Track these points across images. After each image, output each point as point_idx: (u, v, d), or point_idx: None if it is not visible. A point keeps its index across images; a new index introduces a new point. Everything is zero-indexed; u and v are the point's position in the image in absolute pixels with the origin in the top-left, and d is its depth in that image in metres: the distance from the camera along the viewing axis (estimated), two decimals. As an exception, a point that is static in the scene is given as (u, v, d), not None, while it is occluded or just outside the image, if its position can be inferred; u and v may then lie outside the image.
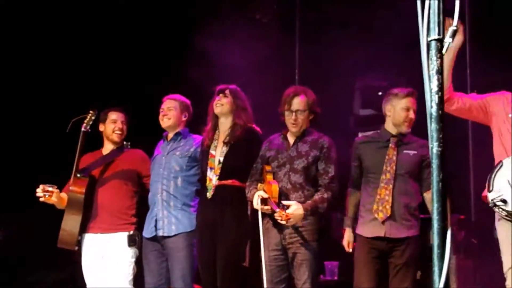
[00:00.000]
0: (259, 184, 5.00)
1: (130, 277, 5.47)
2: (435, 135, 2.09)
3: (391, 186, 4.94)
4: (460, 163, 6.79)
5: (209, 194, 5.29)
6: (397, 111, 5.03)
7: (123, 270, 5.46)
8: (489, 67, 6.47)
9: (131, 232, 5.50)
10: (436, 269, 2.02)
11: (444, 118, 2.10)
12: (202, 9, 7.64)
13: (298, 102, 5.02)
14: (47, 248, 6.01)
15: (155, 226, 5.47)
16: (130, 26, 7.97)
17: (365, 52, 6.92)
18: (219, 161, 5.36)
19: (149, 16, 7.98)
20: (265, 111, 5.74)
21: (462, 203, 6.73)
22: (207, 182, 5.35)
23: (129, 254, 5.50)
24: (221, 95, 5.41)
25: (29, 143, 7.70)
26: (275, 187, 4.84)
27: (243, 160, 5.27)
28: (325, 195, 4.90)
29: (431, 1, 2.09)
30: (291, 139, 5.10)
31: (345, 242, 5.16)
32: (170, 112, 5.68)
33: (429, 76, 2.11)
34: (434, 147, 2.09)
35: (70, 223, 5.50)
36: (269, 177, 4.95)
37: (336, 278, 7.36)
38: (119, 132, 5.75)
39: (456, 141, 6.74)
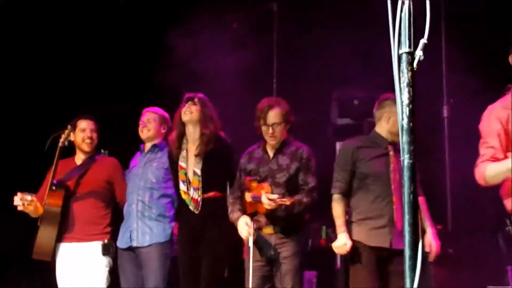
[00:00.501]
0: (247, 194, 4.99)
1: (104, 286, 5.46)
2: (406, 147, 2.11)
3: (398, 195, 4.90)
4: (437, 173, 6.83)
5: (192, 208, 5.34)
6: (397, 119, 4.95)
7: (97, 278, 5.47)
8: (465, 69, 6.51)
9: (106, 241, 5.51)
10: (408, 280, 2.04)
11: (415, 130, 2.12)
12: (178, 15, 7.64)
13: (273, 115, 5.02)
14: (22, 257, 5.99)
15: (130, 236, 5.51)
16: (106, 32, 7.99)
17: (342, 62, 6.95)
18: (195, 172, 5.38)
19: (124, 23, 7.98)
20: (243, 119, 5.78)
21: (438, 213, 6.76)
22: (183, 195, 5.39)
23: (103, 263, 5.50)
24: (190, 102, 5.42)
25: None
26: (267, 186, 4.87)
27: (220, 171, 5.33)
28: (305, 199, 4.92)
29: (402, 14, 2.12)
30: (270, 152, 5.13)
31: (341, 244, 4.90)
32: (150, 124, 5.76)
33: (400, 89, 2.13)
34: (405, 159, 2.11)
35: (47, 234, 5.50)
36: (254, 184, 4.96)
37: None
38: (88, 141, 5.75)
39: (433, 151, 6.79)
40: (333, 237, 7.00)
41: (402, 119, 2.14)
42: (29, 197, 5.35)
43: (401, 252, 4.86)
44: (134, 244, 5.49)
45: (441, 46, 6.91)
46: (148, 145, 5.78)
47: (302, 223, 5.06)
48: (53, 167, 5.57)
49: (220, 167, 5.35)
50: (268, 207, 4.73)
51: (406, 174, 2.10)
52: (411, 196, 2.09)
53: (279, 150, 5.10)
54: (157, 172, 5.63)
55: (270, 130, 5.01)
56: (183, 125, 5.46)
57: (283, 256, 4.92)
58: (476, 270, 6.01)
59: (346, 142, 5.25)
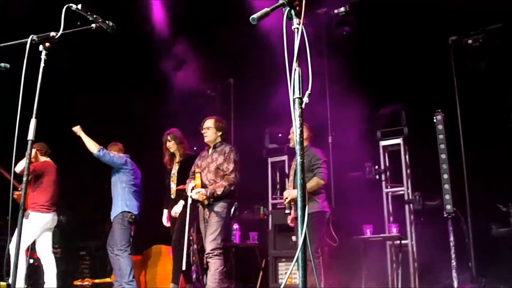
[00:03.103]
0: (192, 180, 4.81)
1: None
2: (298, 152, 2.11)
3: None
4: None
5: (173, 196, 5.39)
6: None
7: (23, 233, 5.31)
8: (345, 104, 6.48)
9: (27, 211, 5.38)
10: (299, 229, 2.04)
11: (303, 142, 2.13)
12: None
13: (206, 123, 4.85)
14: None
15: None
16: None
17: (272, 112, 6.93)
18: (174, 174, 5.44)
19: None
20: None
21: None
22: (171, 190, 5.46)
23: (25, 223, 5.29)
24: (167, 139, 5.50)
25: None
26: (198, 176, 4.73)
27: (186, 174, 5.22)
28: (223, 183, 4.61)
29: (295, 76, 2.13)
30: (209, 151, 4.89)
31: None
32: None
33: (295, 119, 2.14)
34: (298, 159, 2.11)
35: None
36: (198, 175, 4.78)
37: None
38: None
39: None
40: (266, 213, 7.02)
41: (296, 136, 2.12)
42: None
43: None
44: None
45: (326, 96, 6.96)
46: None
47: (223, 198, 4.63)
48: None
49: (186, 171, 5.22)
50: (195, 198, 4.62)
51: (298, 168, 2.10)
52: (302, 180, 2.08)
53: (213, 149, 4.81)
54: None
55: (203, 131, 4.81)
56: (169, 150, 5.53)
57: (210, 217, 4.59)
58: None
59: None
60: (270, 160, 7.45)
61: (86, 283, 7.55)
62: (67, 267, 8.30)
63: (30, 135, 2.69)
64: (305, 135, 4.95)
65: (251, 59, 7.10)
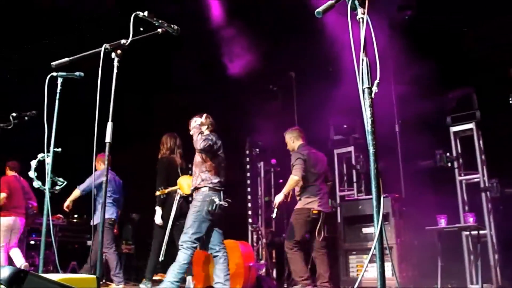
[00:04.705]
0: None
1: None
2: (371, 142, 2.12)
3: None
4: (392, 165, 6.69)
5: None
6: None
7: None
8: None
9: None
10: (375, 220, 2.05)
11: (375, 131, 2.13)
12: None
13: (192, 122, 4.72)
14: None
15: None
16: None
17: (336, 103, 6.91)
18: None
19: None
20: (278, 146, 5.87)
21: (395, 188, 6.62)
22: None
23: None
24: None
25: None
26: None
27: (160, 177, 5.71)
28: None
29: (363, 66, 2.15)
30: None
31: None
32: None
33: (365, 109, 2.16)
34: (371, 149, 2.12)
35: None
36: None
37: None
38: None
39: (391, 151, 6.68)
40: (335, 205, 6.97)
41: (368, 126, 2.13)
42: None
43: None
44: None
45: (391, 83, 6.83)
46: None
47: (200, 195, 4.55)
48: None
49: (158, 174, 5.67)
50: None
51: (371, 158, 2.10)
52: (376, 170, 2.08)
53: None
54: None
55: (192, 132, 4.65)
56: None
57: (190, 209, 4.53)
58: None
59: None
60: (336, 151, 7.40)
61: (159, 277, 7.88)
62: (140, 262, 8.70)
63: (108, 138, 2.89)
64: (294, 137, 5.26)
65: (311, 51, 7.10)
